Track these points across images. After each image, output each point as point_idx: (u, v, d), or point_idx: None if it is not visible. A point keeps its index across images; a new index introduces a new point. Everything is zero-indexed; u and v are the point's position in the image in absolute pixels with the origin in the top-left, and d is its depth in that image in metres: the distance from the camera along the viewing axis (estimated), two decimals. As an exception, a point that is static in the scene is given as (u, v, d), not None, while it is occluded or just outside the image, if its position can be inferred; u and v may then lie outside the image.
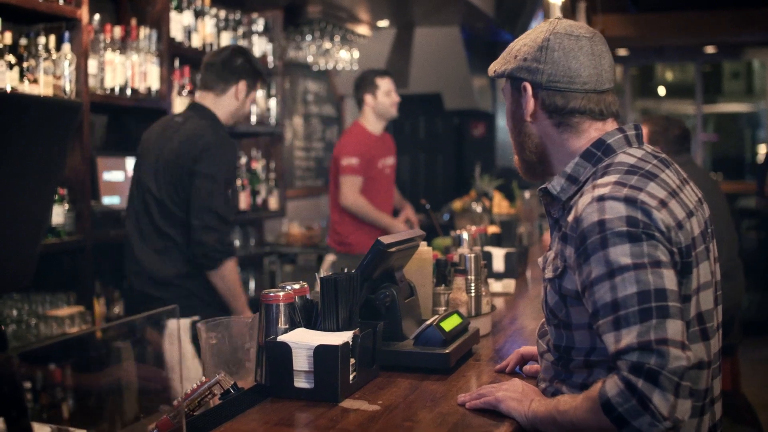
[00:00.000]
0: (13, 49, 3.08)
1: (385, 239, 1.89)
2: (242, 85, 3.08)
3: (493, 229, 3.56)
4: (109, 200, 3.71)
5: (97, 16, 3.58)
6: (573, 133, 1.58)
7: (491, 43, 7.62)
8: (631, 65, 10.95)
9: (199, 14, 4.29)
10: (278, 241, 5.53)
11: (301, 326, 1.78)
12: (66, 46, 3.26)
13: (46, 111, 1.70)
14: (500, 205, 4.93)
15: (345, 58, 5.85)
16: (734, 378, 3.96)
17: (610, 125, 1.59)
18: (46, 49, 3.20)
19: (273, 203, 5.13)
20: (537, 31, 1.60)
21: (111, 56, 3.60)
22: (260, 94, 5.00)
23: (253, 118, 4.91)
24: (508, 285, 3.07)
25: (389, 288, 1.93)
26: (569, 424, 1.43)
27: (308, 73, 6.29)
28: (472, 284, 2.31)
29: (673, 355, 1.31)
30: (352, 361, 1.71)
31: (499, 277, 3.16)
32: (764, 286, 7.33)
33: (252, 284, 5.03)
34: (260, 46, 4.95)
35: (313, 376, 1.67)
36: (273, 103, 5.16)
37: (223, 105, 3.07)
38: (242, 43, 4.67)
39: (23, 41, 3.18)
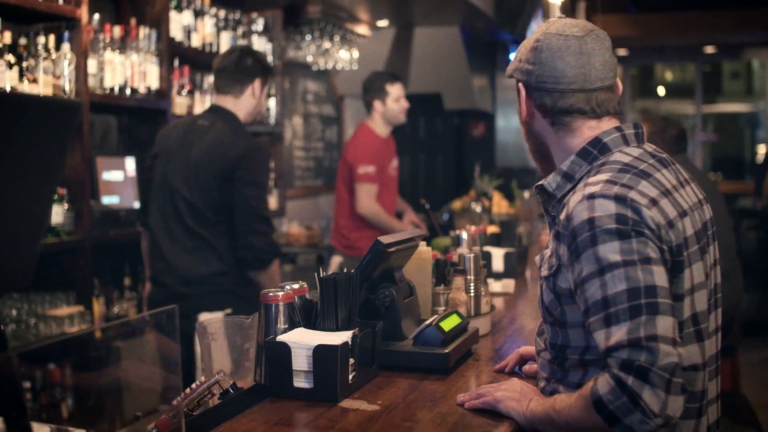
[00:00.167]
0: (12, 48, 3.08)
1: (385, 239, 1.89)
2: (257, 84, 3.15)
3: (492, 229, 3.56)
4: (109, 200, 3.71)
5: (96, 16, 3.58)
6: (567, 131, 1.59)
7: (491, 43, 7.62)
8: (630, 65, 10.96)
9: (198, 14, 4.29)
10: (278, 240, 5.53)
11: (300, 326, 1.78)
12: (65, 46, 3.26)
13: (45, 111, 1.70)
14: (500, 205, 4.93)
15: (345, 57, 5.85)
16: (734, 378, 3.97)
17: (607, 123, 1.59)
18: (46, 48, 3.20)
19: (272, 203, 5.13)
20: (536, 31, 1.63)
21: (110, 56, 3.60)
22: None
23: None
24: (508, 285, 3.07)
25: (389, 288, 1.93)
26: (565, 423, 1.43)
27: (308, 72, 6.29)
28: (472, 284, 2.31)
29: (664, 351, 1.31)
30: (352, 361, 1.71)
31: (498, 277, 3.16)
32: (764, 286, 7.34)
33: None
34: (260, 46, 4.95)
35: (312, 375, 1.67)
36: (272, 102, 5.16)
37: (243, 106, 3.15)
38: (242, 42, 4.67)
39: (23, 41, 3.17)
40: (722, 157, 11.37)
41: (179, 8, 4.13)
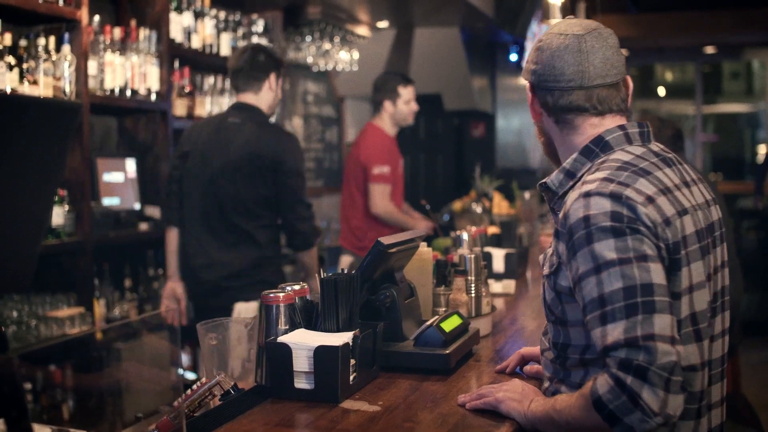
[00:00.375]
0: (12, 50, 3.08)
1: (385, 240, 1.89)
2: (272, 77, 3.33)
3: (493, 230, 3.56)
4: (109, 201, 3.71)
5: (96, 18, 3.58)
6: (571, 129, 1.61)
7: (491, 43, 7.61)
8: (630, 65, 10.95)
9: (198, 15, 4.29)
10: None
11: (301, 327, 1.78)
12: (66, 48, 3.26)
13: (45, 112, 1.69)
14: (500, 205, 4.92)
15: (345, 58, 5.85)
16: (734, 378, 3.96)
17: (611, 121, 1.60)
18: (46, 50, 3.20)
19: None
20: (544, 32, 1.65)
21: (111, 57, 3.61)
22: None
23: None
24: (508, 285, 3.08)
25: (389, 288, 1.93)
26: (566, 423, 1.43)
27: (308, 73, 6.29)
28: (472, 285, 2.31)
29: (662, 350, 1.31)
30: (353, 361, 1.71)
31: (499, 277, 3.16)
32: (764, 286, 7.33)
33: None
34: (260, 47, 4.95)
35: (313, 376, 1.67)
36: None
37: (265, 100, 3.33)
38: (242, 44, 4.67)
39: (23, 42, 3.18)
40: (722, 158, 11.37)
41: (179, 9, 4.13)
